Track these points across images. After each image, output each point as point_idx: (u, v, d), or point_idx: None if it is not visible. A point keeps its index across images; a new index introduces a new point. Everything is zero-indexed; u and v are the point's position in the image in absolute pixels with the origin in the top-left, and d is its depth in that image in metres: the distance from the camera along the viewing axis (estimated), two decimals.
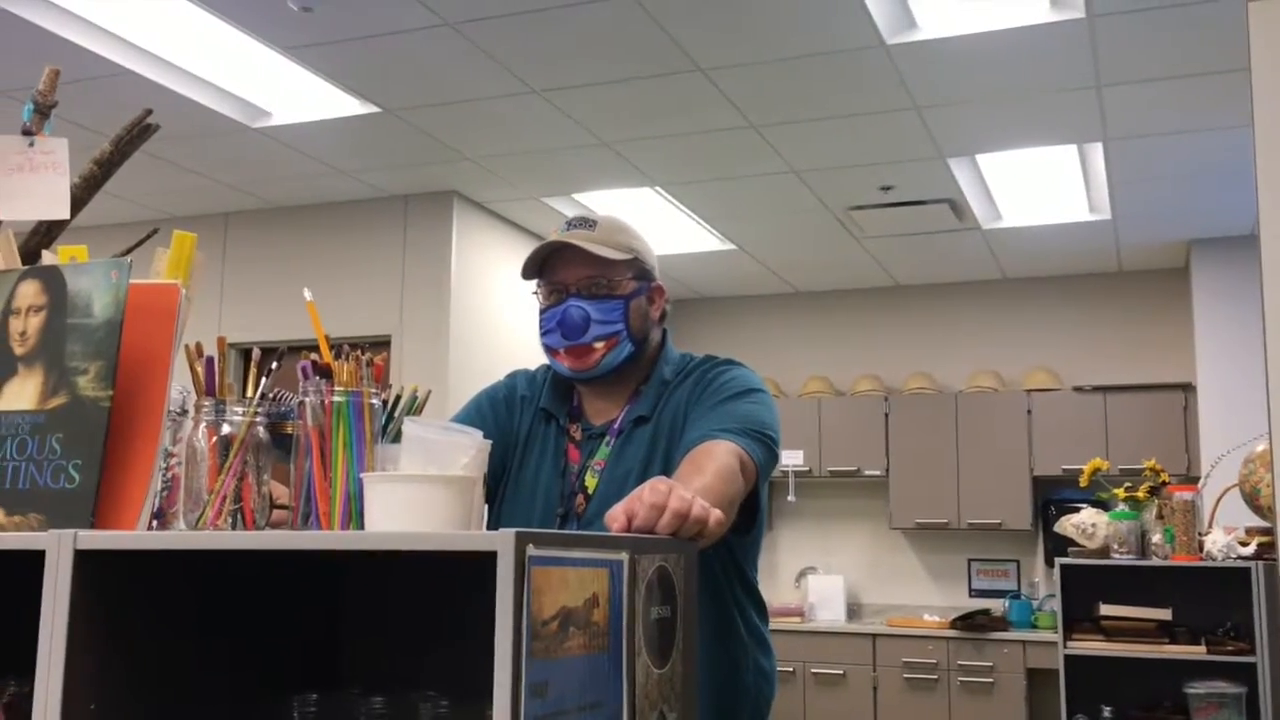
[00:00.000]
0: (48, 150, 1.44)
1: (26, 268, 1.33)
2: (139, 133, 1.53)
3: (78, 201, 1.51)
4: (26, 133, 1.45)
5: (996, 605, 6.70)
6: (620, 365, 1.88)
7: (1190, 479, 5.31)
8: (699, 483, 1.47)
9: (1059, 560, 4.44)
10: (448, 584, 1.36)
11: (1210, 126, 4.58)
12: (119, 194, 5.35)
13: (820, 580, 7.09)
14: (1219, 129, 4.60)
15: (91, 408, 1.22)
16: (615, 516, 1.23)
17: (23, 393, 1.26)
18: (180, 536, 1.20)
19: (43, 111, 1.47)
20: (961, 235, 6.15)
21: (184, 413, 1.32)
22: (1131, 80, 4.15)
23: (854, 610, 7.11)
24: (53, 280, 1.28)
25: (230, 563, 1.22)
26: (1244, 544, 4.15)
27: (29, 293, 1.29)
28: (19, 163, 1.42)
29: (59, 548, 1.10)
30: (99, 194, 1.60)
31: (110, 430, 1.21)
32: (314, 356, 1.27)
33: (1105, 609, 4.40)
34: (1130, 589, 4.40)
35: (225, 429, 1.26)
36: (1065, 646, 4.36)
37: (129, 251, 1.53)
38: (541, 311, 1.90)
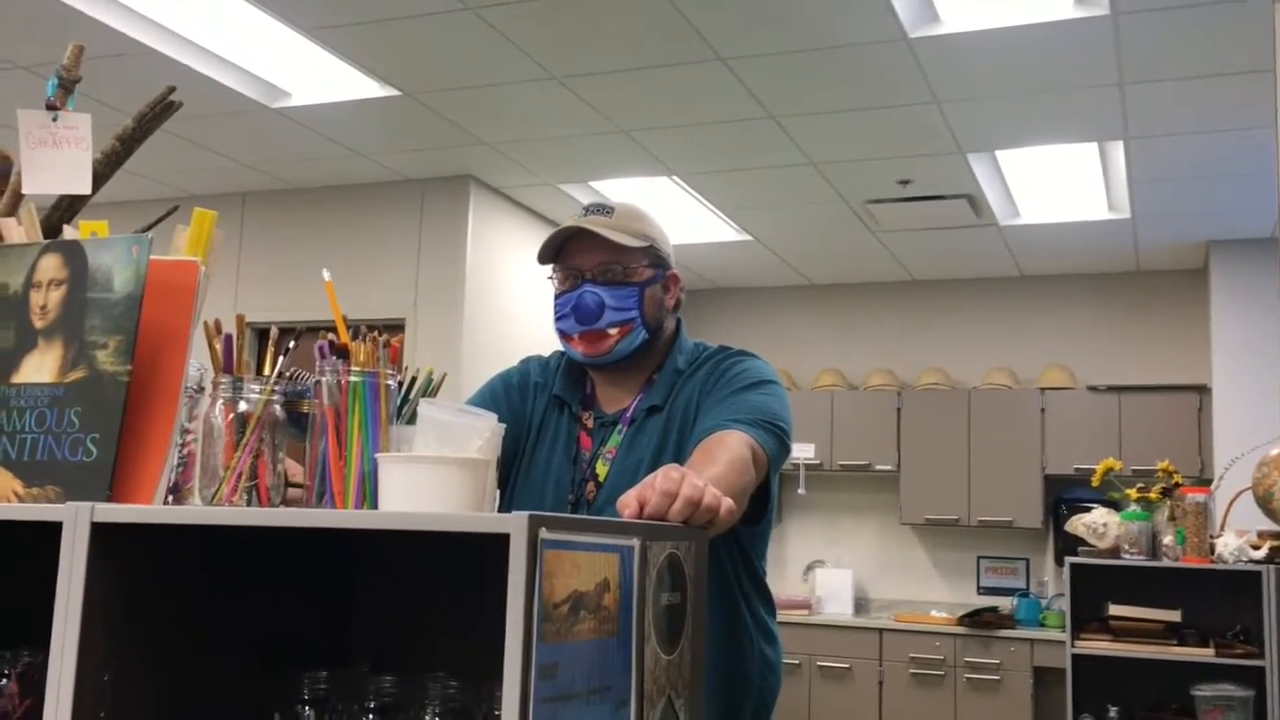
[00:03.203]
0: (71, 125, 1.44)
1: (48, 241, 1.34)
2: (161, 109, 1.53)
3: (99, 177, 1.52)
4: (51, 107, 1.45)
5: (1005, 603, 6.69)
6: (634, 352, 1.88)
7: (1203, 481, 5.29)
8: (711, 472, 1.48)
9: (1069, 559, 4.44)
10: (459, 565, 1.37)
11: (1233, 127, 4.55)
12: (138, 171, 5.38)
13: (828, 574, 7.09)
14: (1241, 130, 4.57)
15: (110, 382, 1.23)
16: (627, 503, 1.23)
17: (43, 365, 1.27)
18: (196, 511, 1.21)
19: (67, 86, 1.47)
20: (979, 231, 6.13)
21: (201, 389, 1.33)
22: (1155, 79, 4.13)
23: (861, 604, 7.11)
24: (74, 254, 1.29)
25: (244, 539, 1.23)
26: (1256, 547, 4.13)
27: (50, 266, 1.30)
28: (43, 137, 1.42)
29: (76, 520, 1.11)
30: (119, 171, 1.60)
31: (128, 405, 1.22)
32: (331, 336, 1.28)
33: (1114, 609, 4.40)
34: (1140, 590, 4.39)
35: (242, 406, 1.27)
36: (1073, 646, 4.36)
37: (149, 228, 1.54)
38: (556, 296, 1.90)
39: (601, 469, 1.85)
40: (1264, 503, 4.04)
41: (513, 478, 1.92)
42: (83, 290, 1.27)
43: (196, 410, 1.31)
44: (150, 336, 1.25)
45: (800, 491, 6.91)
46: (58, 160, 1.43)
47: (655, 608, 1.13)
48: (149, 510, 1.17)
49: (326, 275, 1.35)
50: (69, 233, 1.39)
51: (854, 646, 6.56)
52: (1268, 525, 4.19)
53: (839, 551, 7.28)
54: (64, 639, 1.08)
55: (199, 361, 1.32)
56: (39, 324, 1.29)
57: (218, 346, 1.29)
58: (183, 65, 4.25)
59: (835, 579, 7.03)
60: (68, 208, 1.52)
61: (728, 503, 1.31)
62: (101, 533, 1.10)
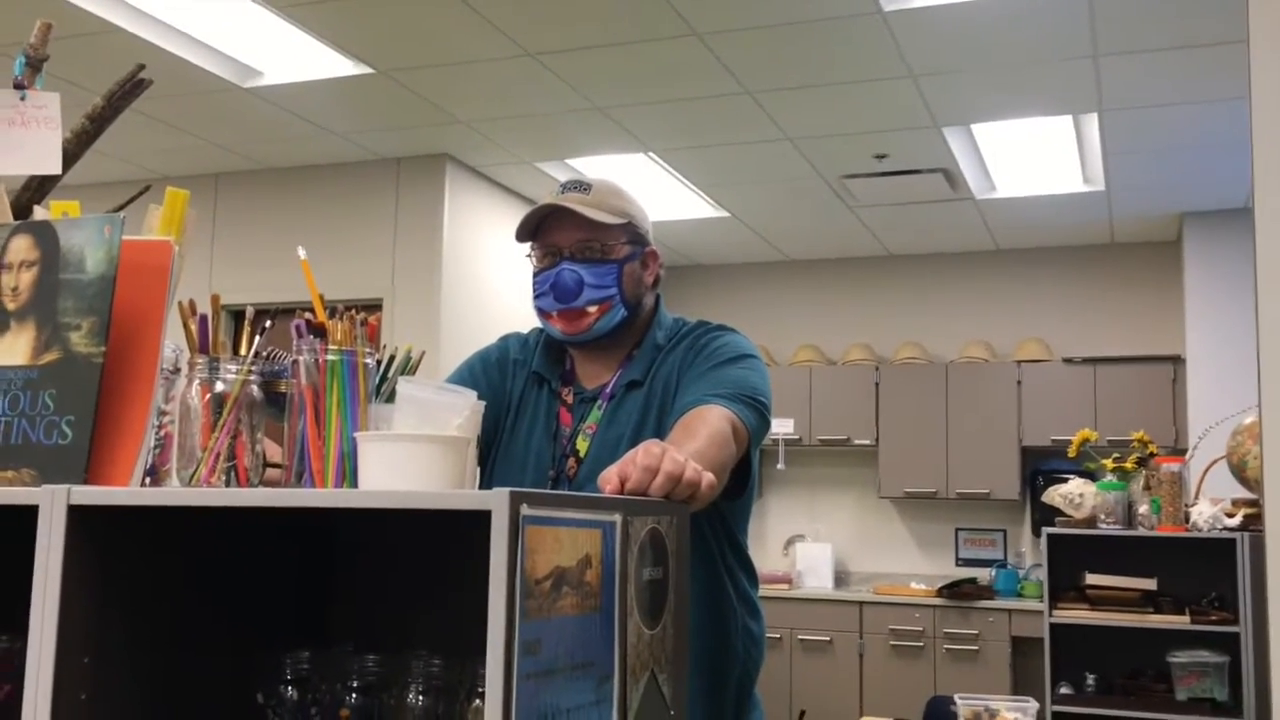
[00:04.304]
0: (40, 104, 1.42)
1: (19, 222, 1.32)
2: (131, 88, 1.51)
3: (69, 156, 1.50)
4: (19, 86, 1.43)
5: (983, 574, 6.74)
6: (613, 329, 1.88)
7: (1178, 451, 5.34)
8: (692, 447, 1.48)
9: (1046, 530, 4.47)
10: (441, 543, 1.36)
11: (1206, 98, 4.57)
12: (109, 153, 5.32)
13: (808, 548, 7.13)
14: (1215, 101, 4.59)
15: (84, 364, 1.22)
16: (608, 478, 1.23)
17: (15, 348, 1.26)
18: (174, 493, 1.20)
19: (34, 65, 1.45)
20: (955, 205, 6.14)
21: (177, 370, 1.32)
22: (1128, 51, 4.14)
23: (841, 578, 7.16)
24: (45, 235, 1.28)
25: (223, 520, 1.22)
26: (1230, 515, 4.18)
27: (21, 247, 1.28)
28: (11, 116, 1.40)
29: (52, 503, 1.09)
30: (89, 152, 1.59)
31: (103, 386, 1.21)
32: (308, 315, 1.27)
33: (1091, 578, 4.44)
34: (1116, 559, 4.43)
35: (219, 387, 1.26)
36: (1050, 615, 4.40)
37: (121, 208, 1.52)
38: (535, 274, 1.89)
39: (582, 444, 1.85)
40: (1238, 471, 4.08)
41: (493, 455, 1.92)
42: (55, 271, 1.25)
43: (173, 391, 1.30)
44: (124, 317, 1.23)
45: (780, 467, 6.94)
46: (26, 140, 1.41)
47: (637, 583, 1.13)
48: (126, 492, 1.16)
49: (302, 253, 1.34)
50: (39, 213, 1.37)
51: (834, 619, 6.61)
52: (1242, 493, 4.23)
53: (819, 526, 7.32)
54: (43, 623, 1.08)
55: (174, 342, 1.31)
56: (10, 306, 1.27)
57: (193, 327, 1.28)
58: (153, 45, 4.19)
59: (815, 553, 7.08)
60: (38, 188, 1.50)
61: (708, 477, 1.31)
62: (79, 515, 1.09)
